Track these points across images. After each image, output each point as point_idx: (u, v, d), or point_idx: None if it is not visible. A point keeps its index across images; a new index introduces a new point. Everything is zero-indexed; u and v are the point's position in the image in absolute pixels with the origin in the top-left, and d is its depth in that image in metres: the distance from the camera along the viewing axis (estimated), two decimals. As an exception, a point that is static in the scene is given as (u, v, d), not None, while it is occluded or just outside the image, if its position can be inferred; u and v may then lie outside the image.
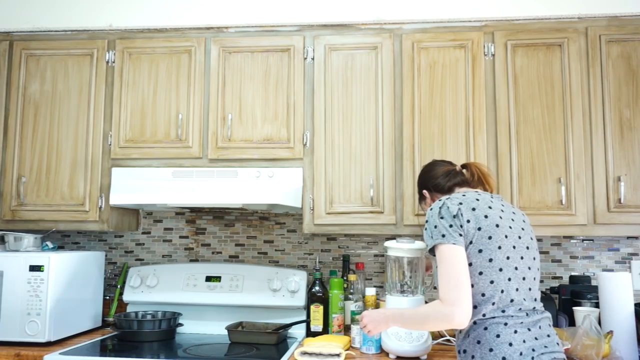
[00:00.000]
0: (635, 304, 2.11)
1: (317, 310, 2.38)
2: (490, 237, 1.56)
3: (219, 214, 2.77)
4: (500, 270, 1.55)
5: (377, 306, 2.38)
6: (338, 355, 1.99)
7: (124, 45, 2.50)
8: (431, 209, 1.64)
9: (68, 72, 2.52)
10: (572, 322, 2.21)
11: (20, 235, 2.39)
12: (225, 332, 2.32)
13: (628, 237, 2.55)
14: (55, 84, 2.52)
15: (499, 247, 1.56)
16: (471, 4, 2.43)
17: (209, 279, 2.56)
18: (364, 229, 2.32)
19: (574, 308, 2.19)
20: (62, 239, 2.83)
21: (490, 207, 1.62)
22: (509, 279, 1.55)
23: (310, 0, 2.51)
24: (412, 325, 1.57)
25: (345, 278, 2.50)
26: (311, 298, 2.40)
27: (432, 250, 1.61)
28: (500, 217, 1.61)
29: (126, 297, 2.57)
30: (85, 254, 2.45)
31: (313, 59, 2.42)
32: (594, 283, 2.50)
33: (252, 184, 2.32)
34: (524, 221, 1.68)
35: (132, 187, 2.36)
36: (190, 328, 2.52)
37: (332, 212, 2.33)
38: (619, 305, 2.03)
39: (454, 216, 1.58)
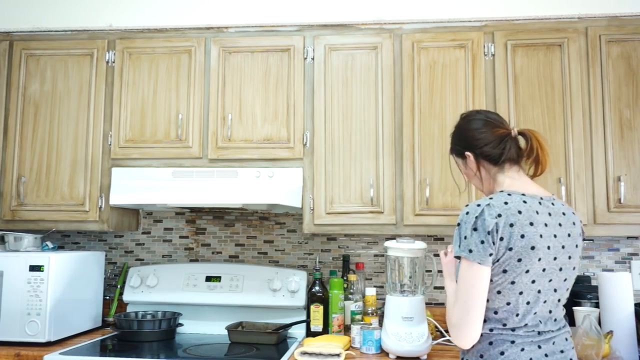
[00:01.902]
0: (635, 304, 2.11)
1: (317, 310, 2.38)
2: (519, 260, 1.39)
3: (219, 214, 2.77)
4: (521, 293, 1.41)
5: (376, 306, 2.38)
6: (338, 355, 1.99)
7: (124, 45, 2.50)
8: (467, 214, 1.43)
9: (68, 72, 2.52)
10: (572, 322, 2.21)
11: (20, 235, 2.39)
12: (225, 332, 2.32)
13: (628, 237, 2.55)
14: (55, 84, 2.52)
15: (527, 271, 1.40)
16: (471, 4, 2.43)
17: (209, 279, 2.56)
18: (364, 229, 2.32)
19: (573, 308, 2.19)
20: (62, 239, 2.83)
21: (531, 224, 1.41)
22: (528, 303, 1.41)
23: (310, 0, 2.51)
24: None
25: (345, 278, 2.49)
26: (311, 298, 2.40)
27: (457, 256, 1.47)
28: (541, 236, 1.42)
29: (126, 297, 2.57)
30: (85, 254, 2.45)
31: (313, 59, 2.42)
32: (594, 283, 2.50)
33: (252, 184, 2.32)
34: (569, 234, 1.48)
35: (132, 187, 2.36)
36: (190, 328, 2.52)
37: (332, 212, 2.33)
38: (619, 305, 2.02)
39: (489, 232, 1.39)
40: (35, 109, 2.51)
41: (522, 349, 1.40)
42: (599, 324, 2.08)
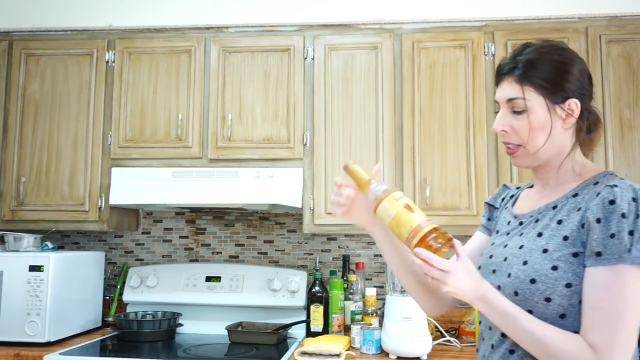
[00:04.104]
0: (636, 304, 2.11)
1: (317, 310, 2.38)
2: None
3: (219, 214, 2.77)
4: None
5: (376, 306, 2.38)
6: (338, 355, 1.99)
7: (124, 45, 2.50)
8: (635, 200, 0.98)
9: (68, 72, 2.52)
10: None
11: (20, 235, 2.39)
12: (225, 332, 2.32)
13: (628, 237, 2.55)
14: (55, 84, 2.52)
15: None
16: (471, 4, 2.43)
17: (209, 279, 2.56)
18: (364, 229, 2.31)
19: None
20: (62, 239, 2.83)
21: None
22: None
23: (310, 0, 2.51)
24: (516, 336, 1.02)
25: (345, 278, 2.49)
26: (311, 298, 2.40)
27: (601, 264, 0.97)
28: None
29: (126, 297, 2.57)
30: (85, 254, 2.45)
31: (313, 59, 2.42)
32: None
33: (252, 184, 2.32)
34: None
35: (132, 187, 2.36)
36: (190, 328, 2.52)
37: (332, 212, 2.33)
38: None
39: None
40: (35, 109, 2.51)
41: None
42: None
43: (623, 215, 0.96)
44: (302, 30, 2.46)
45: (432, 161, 2.31)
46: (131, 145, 2.45)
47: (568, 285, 1.00)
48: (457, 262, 1.03)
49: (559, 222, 1.06)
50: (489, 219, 1.33)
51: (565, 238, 1.03)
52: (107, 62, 2.51)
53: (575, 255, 1.01)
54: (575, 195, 1.08)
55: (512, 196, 1.29)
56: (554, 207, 1.10)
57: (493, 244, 1.21)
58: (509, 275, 1.08)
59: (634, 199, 0.97)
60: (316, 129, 2.37)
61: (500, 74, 1.16)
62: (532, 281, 1.03)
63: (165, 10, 2.56)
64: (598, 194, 1.01)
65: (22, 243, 2.38)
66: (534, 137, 1.10)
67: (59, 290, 2.22)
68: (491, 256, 1.18)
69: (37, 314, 2.15)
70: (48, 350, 2.09)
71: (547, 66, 1.10)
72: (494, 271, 1.14)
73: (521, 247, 1.10)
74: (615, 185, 1.00)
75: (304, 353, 2.00)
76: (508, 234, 1.18)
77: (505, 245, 1.15)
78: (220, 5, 2.55)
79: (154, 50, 2.49)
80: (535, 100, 1.10)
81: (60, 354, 2.04)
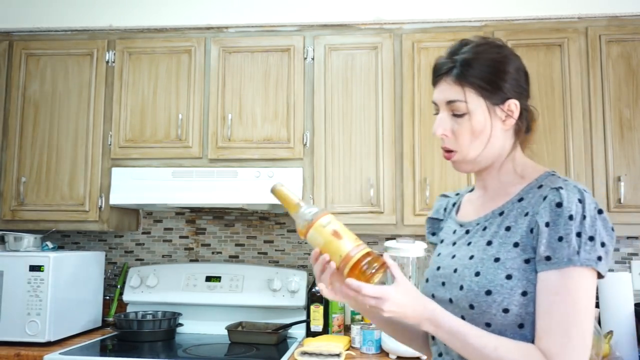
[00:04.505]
0: (635, 304, 2.11)
1: (317, 310, 2.38)
2: None
3: (219, 214, 2.77)
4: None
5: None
6: (338, 355, 1.99)
7: (124, 45, 2.50)
8: (582, 202, 0.96)
9: (68, 72, 2.52)
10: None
11: (20, 236, 2.39)
12: (225, 332, 2.32)
13: (628, 237, 2.55)
14: (55, 84, 2.52)
15: None
16: (471, 4, 2.43)
17: (209, 279, 2.56)
18: (364, 229, 2.32)
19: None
20: (62, 239, 2.83)
21: None
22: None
23: (310, 0, 2.51)
24: (468, 353, 0.98)
25: (345, 278, 2.49)
26: (311, 298, 2.40)
27: (553, 268, 0.95)
28: None
29: (126, 297, 2.57)
30: (85, 254, 2.45)
31: (313, 59, 2.42)
32: (594, 283, 2.50)
33: (252, 184, 2.32)
34: None
35: (132, 187, 2.36)
36: (190, 328, 2.52)
37: (332, 212, 2.33)
38: (619, 305, 2.03)
39: (612, 229, 0.99)
40: (35, 109, 2.51)
41: None
42: (599, 324, 2.08)
43: (570, 218, 0.94)
44: (302, 30, 2.46)
45: (432, 161, 2.31)
46: (131, 145, 2.45)
47: (524, 294, 0.97)
48: (392, 285, 1.00)
49: (507, 228, 1.03)
50: (433, 234, 1.27)
51: (516, 245, 1.00)
52: (107, 62, 2.51)
53: (527, 261, 0.98)
54: (521, 200, 1.05)
55: (454, 204, 1.24)
56: (501, 214, 1.06)
57: (439, 254, 1.16)
58: (462, 287, 1.02)
59: (580, 200, 0.96)
60: (316, 129, 2.37)
61: (438, 74, 1.09)
62: (488, 293, 0.98)
63: (165, 10, 2.56)
64: (545, 197, 0.99)
65: (22, 243, 2.38)
66: (474, 142, 1.06)
67: (59, 290, 2.22)
68: (439, 268, 1.12)
69: (37, 314, 2.15)
70: (48, 350, 2.09)
71: (484, 65, 1.05)
72: (443, 284, 1.08)
73: (471, 257, 1.04)
74: (561, 188, 0.97)
75: (304, 353, 2.00)
76: (454, 243, 1.13)
77: (453, 256, 1.10)
78: (220, 5, 2.55)
79: (154, 51, 2.49)
80: (475, 103, 1.05)
81: (60, 353, 2.04)
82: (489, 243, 1.04)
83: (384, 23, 2.43)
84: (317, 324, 2.37)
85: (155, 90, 2.47)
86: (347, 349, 2.14)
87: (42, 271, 2.17)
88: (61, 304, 2.24)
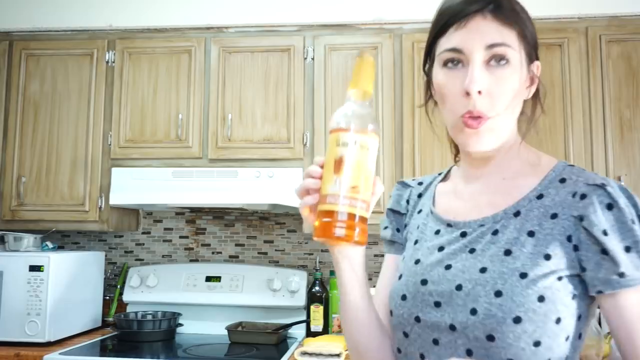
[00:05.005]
0: (636, 304, 2.11)
1: (317, 310, 2.38)
2: None
3: (219, 214, 2.77)
4: None
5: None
6: (338, 355, 1.99)
7: (124, 45, 2.50)
8: (630, 198, 0.80)
9: (68, 72, 2.52)
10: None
11: (20, 235, 2.39)
12: (225, 332, 2.32)
13: (628, 237, 2.55)
14: (55, 84, 2.52)
15: None
16: (471, 4, 2.42)
17: (209, 279, 2.56)
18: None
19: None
20: (62, 239, 2.83)
21: None
22: None
23: (310, 0, 2.51)
24: None
25: (345, 278, 2.49)
26: (311, 298, 2.40)
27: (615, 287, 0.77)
28: None
29: (126, 297, 2.57)
30: (85, 254, 2.45)
31: (313, 59, 2.42)
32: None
33: (252, 184, 2.32)
34: None
35: (132, 187, 2.36)
36: (190, 328, 2.52)
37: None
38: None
39: None
40: (35, 109, 2.51)
41: None
42: (599, 324, 2.08)
43: (632, 222, 0.77)
44: (302, 30, 2.46)
45: (432, 161, 2.31)
46: (131, 145, 2.45)
47: (557, 321, 0.76)
48: None
49: (531, 234, 0.81)
50: (398, 230, 1.02)
51: (548, 257, 0.78)
52: (107, 62, 2.51)
53: (559, 279, 0.78)
54: (540, 196, 0.83)
55: (419, 195, 1.01)
56: (517, 214, 0.83)
57: (418, 261, 0.90)
58: (474, 311, 0.78)
59: (629, 198, 0.79)
60: (316, 129, 2.37)
61: (468, 11, 0.82)
62: (517, 320, 0.75)
63: (165, 10, 2.55)
64: (582, 196, 0.79)
65: (22, 243, 2.38)
66: (511, 104, 0.82)
67: (59, 290, 2.22)
68: (425, 281, 0.86)
69: (37, 314, 2.15)
70: (48, 350, 2.09)
71: (522, 8, 0.88)
72: (437, 304, 0.83)
73: (483, 270, 0.80)
74: (605, 185, 0.79)
75: (304, 353, 2.00)
76: (442, 248, 0.88)
77: (449, 267, 0.85)
78: (220, 5, 2.55)
79: (154, 51, 2.49)
80: (517, 52, 0.83)
81: (60, 354, 2.04)
82: (508, 252, 0.80)
83: (384, 23, 2.43)
84: (317, 324, 2.37)
85: (155, 90, 2.47)
86: (347, 349, 2.14)
87: (42, 271, 2.17)
88: (61, 304, 2.23)
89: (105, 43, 2.52)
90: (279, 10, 2.51)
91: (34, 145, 2.49)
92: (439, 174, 1.02)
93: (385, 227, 1.04)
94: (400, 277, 0.93)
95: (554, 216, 0.81)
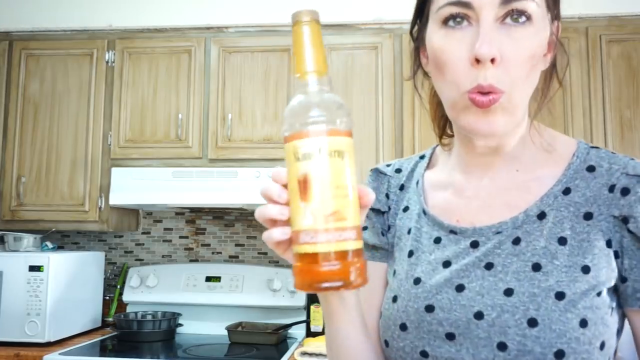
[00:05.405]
0: (636, 304, 2.10)
1: (317, 311, 2.38)
2: None
3: (219, 214, 2.76)
4: None
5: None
6: (338, 355, 1.99)
7: (124, 45, 2.50)
8: None
9: (68, 72, 2.52)
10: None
11: (20, 236, 2.39)
12: (225, 332, 2.32)
13: (628, 237, 2.55)
14: (55, 84, 2.51)
15: None
16: (471, 4, 2.42)
17: (208, 279, 2.55)
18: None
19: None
20: (62, 239, 2.82)
21: None
22: None
23: (311, 0, 2.51)
24: None
25: (345, 278, 2.49)
26: (311, 298, 2.40)
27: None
28: None
29: (126, 298, 2.56)
30: (85, 254, 2.45)
31: (313, 59, 2.41)
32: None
33: (252, 184, 2.31)
34: None
35: (132, 187, 2.35)
36: (190, 328, 2.52)
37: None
38: (619, 305, 2.02)
39: None
40: (35, 108, 2.51)
41: None
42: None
43: None
44: (302, 30, 2.45)
45: (432, 161, 2.31)
46: (131, 145, 2.44)
47: (602, 347, 0.63)
48: None
49: (562, 241, 0.65)
50: (382, 234, 0.79)
51: (586, 270, 0.63)
52: (107, 62, 2.51)
53: (599, 294, 0.63)
54: (567, 191, 0.67)
55: (401, 187, 0.79)
56: (541, 216, 0.66)
57: (418, 280, 0.70)
58: (503, 347, 0.62)
59: None
60: (316, 129, 2.37)
61: None
62: (559, 355, 0.60)
63: (165, 10, 2.55)
64: (625, 190, 0.63)
65: (22, 243, 2.38)
66: (530, 74, 0.66)
67: (58, 290, 2.22)
68: (431, 308, 0.67)
69: (37, 314, 2.15)
70: (48, 350, 2.09)
71: None
72: (450, 336, 0.65)
73: (509, 292, 0.64)
74: None
75: (304, 353, 2.00)
76: (448, 263, 0.69)
77: (461, 288, 0.66)
78: (220, 5, 2.54)
79: (154, 50, 2.48)
80: (540, 8, 0.67)
81: (60, 354, 2.04)
82: (537, 267, 0.64)
83: (384, 23, 2.43)
84: (317, 324, 2.37)
85: (155, 90, 2.47)
86: None
87: (42, 271, 2.17)
88: (61, 304, 2.23)
89: (105, 43, 2.52)
90: (279, 10, 2.51)
91: (34, 145, 2.49)
92: (421, 158, 0.81)
93: (365, 228, 0.79)
94: (394, 299, 0.71)
95: (587, 216, 0.65)
